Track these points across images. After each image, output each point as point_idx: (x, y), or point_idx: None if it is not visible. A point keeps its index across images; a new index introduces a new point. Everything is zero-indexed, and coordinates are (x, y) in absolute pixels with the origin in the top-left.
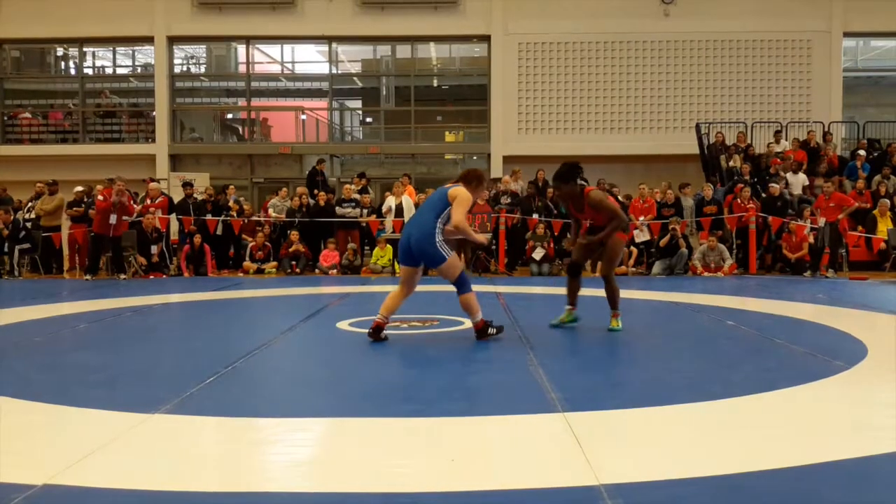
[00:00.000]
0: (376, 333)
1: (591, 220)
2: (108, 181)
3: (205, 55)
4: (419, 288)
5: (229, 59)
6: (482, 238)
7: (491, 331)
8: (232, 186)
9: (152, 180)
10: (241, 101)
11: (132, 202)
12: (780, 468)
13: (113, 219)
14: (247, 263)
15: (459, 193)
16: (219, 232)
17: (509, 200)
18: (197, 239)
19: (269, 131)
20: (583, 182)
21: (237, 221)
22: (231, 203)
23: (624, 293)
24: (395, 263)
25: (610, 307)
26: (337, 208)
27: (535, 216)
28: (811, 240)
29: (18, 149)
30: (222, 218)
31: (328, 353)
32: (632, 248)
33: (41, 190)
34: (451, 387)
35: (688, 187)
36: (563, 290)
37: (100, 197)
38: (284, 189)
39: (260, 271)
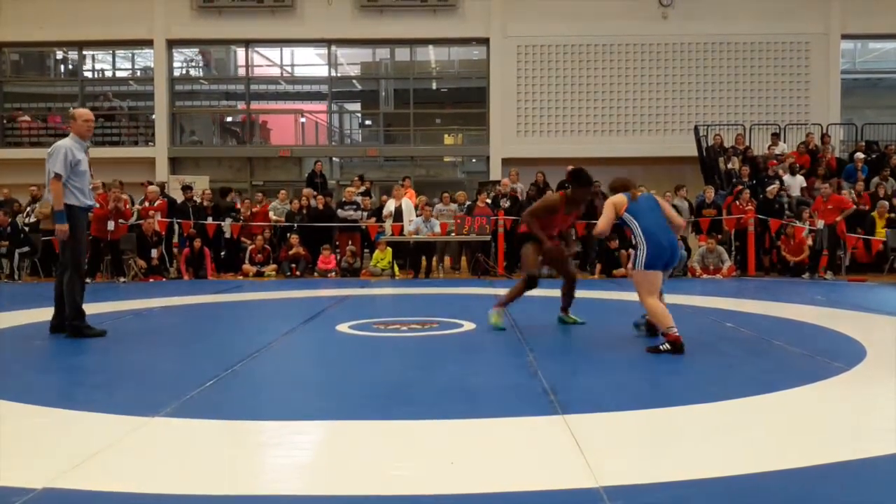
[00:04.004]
0: (654, 330)
1: (559, 227)
2: (103, 184)
3: (204, 58)
4: (418, 290)
5: (229, 62)
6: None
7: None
8: (234, 192)
9: (150, 183)
10: (241, 105)
11: (128, 206)
12: (780, 470)
13: (111, 225)
14: (246, 266)
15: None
16: (227, 235)
17: (508, 203)
18: (197, 242)
19: (269, 134)
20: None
21: (236, 226)
22: (238, 204)
23: (623, 295)
24: (395, 266)
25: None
26: (339, 211)
27: None
28: (810, 242)
29: (18, 152)
30: (221, 222)
31: (328, 356)
32: (630, 249)
33: (36, 194)
34: (451, 389)
35: (683, 189)
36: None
37: (96, 204)
38: (284, 192)
39: (259, 274)
